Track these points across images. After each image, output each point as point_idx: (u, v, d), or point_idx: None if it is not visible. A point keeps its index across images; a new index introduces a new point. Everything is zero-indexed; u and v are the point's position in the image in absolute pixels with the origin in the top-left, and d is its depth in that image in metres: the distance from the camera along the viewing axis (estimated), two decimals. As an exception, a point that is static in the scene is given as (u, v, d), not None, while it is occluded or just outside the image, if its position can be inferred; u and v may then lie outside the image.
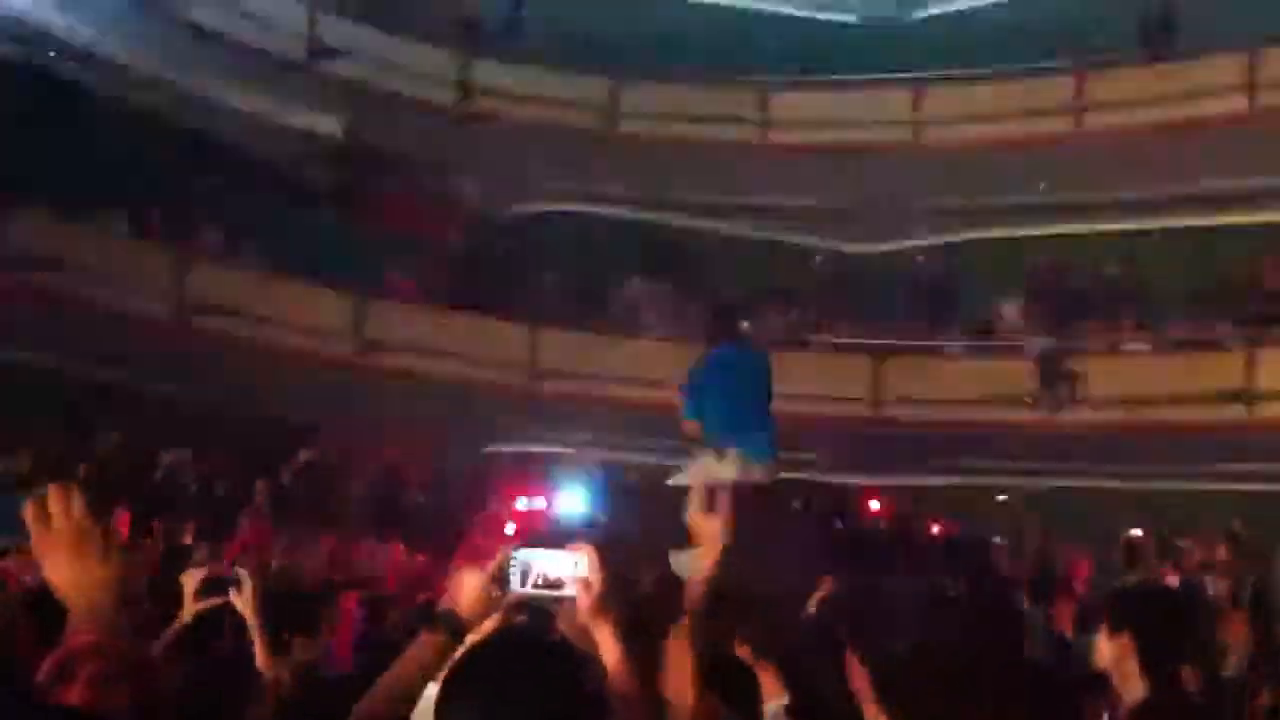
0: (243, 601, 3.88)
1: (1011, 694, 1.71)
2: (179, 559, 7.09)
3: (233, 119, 17.56)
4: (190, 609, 3.92)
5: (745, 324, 7.56)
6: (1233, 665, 6.15)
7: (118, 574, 1.99)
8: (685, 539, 2.73)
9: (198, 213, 16.45)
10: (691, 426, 6.62)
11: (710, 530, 2.63)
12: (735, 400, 6.55)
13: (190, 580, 3.94)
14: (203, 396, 16.44)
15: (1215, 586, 11.85)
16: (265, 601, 4.00)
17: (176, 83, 16.95)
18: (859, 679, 1.71)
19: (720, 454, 6.39)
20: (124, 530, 7.35)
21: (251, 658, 3.88)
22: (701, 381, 6.73)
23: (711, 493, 2.67)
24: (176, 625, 3.91)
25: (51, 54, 15.87)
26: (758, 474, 6.48)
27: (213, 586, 3.95)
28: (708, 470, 6.34)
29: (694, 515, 2.67)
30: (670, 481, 6.71)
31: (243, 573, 3.92)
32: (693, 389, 6.77)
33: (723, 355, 6.86)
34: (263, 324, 15.06)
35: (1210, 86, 15.06)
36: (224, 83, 17.12)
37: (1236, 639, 6.56)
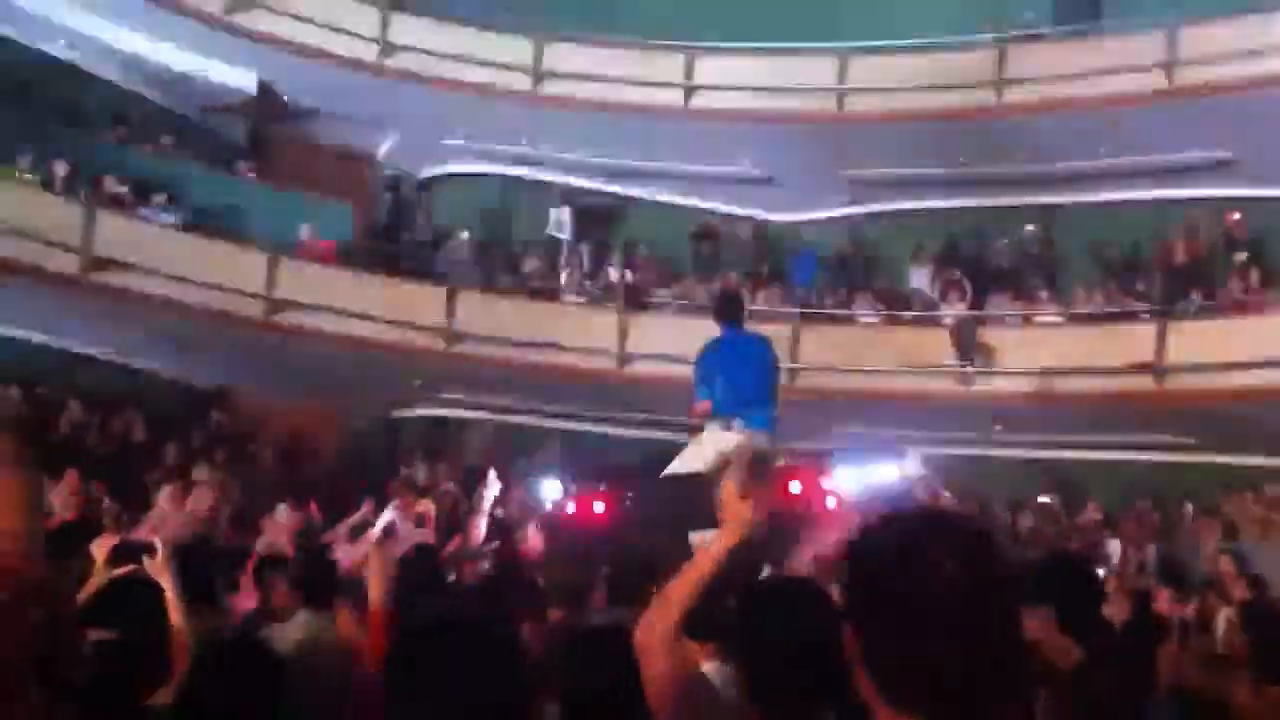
0: (157, 568, 3.77)
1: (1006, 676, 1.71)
2: (91, 521, 6.88)
3: (146, 71, 17.14)
4: (102, 576, 3.80)
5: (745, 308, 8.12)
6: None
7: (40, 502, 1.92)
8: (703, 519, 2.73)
9: (106, 165, 16.04)
10: (703, 406, 7.14)
11: (741, 510, 2.66)
12: (740, 380, 7.08)
13: (101, 547, 3.82)
14: (109, 354, 16.13)
15: (1119, 554, 12.14)
16: (180, 567, 3.90)
17: (87, 33, 16.50)
18: (852, 648, 1.69)
19: (727, 425, 6.91)
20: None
21: (167, 626, 3.76)
22: (710, 364, 7.25)
23: (754, 469, 2.67)
24: (87, 591, 3.79)
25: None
26: (761, 443, 6.97)
27: (124, 553, 3.84)
28: (716, 439, 6.82)
29: (729, 489, 2.68)
30: (674, 468, 7.05)
31: (156, 539, 3.80)
32: (703, 371, 7.28)
33: (728, 339, 7.40)
34: (171, 281, 14.69)
35: (1129, 63, 15.23)
36: (137, 34, 16.68)
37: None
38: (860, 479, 8.60)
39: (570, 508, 9.05)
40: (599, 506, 8.56)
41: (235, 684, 3.16)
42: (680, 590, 2.56)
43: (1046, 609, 3.68)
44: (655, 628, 2.52)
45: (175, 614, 3.67)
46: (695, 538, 6.54)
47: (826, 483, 7.63)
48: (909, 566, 1.69)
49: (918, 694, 1.67)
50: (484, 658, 2.24)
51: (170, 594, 3.69)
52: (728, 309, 7.65)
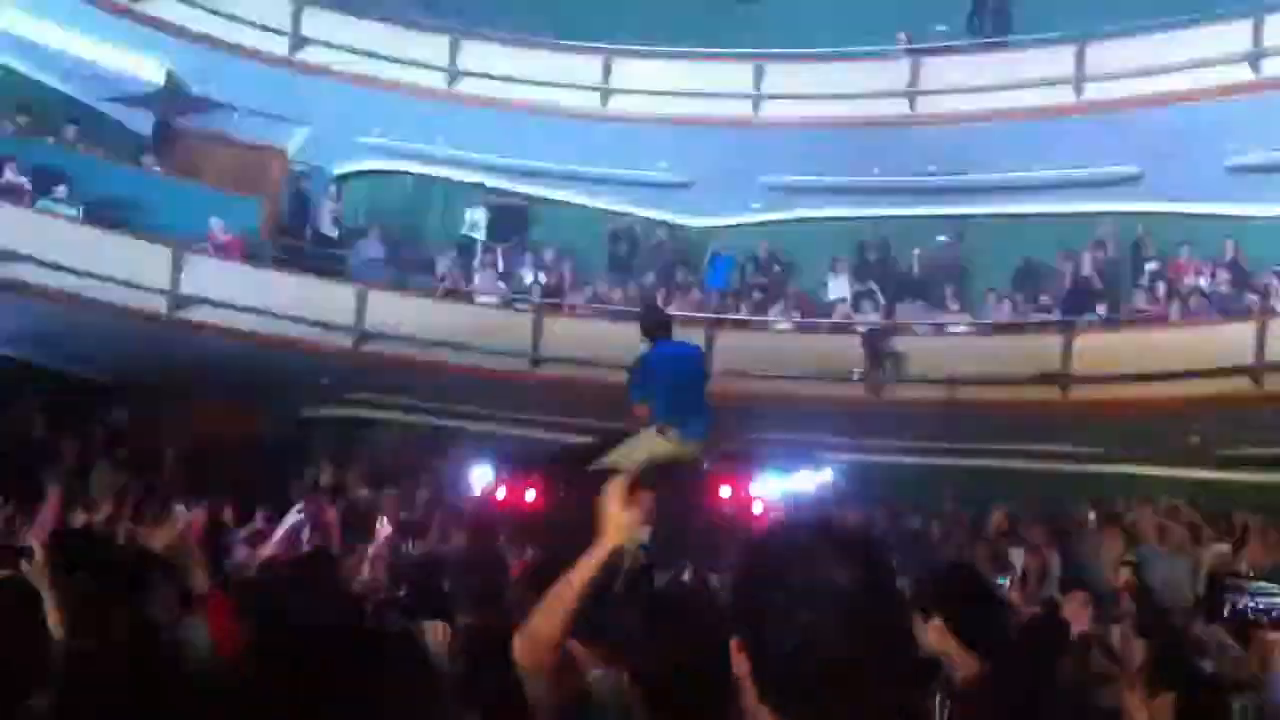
0: (35, 572, 3.62)
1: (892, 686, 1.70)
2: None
3: (49, 59, 16.69)
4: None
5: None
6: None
7: None
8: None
9: (5, 154, 15.57)
10: (641, 409, 7.40)
11: (621, 521, 2.63)
12: (675, 388, 7.40)
13: (-26, 551, 3.67)
14: (5, 349, 15.69)
15: (1024, 562, 12.26)
16: (67, 570, 3.75)
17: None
18: (740, 664, 1.65)
19: (663, 431, 7.18)
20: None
21: (46, 632, 3.62)
22: (647, 373, 7.55)
23: (634, 484, 2.67)
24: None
25: None
26: (691, 452, 7.40)
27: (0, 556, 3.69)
28: (649, 445, 7.07)
29: (610, 496, 2.66)
30: (603, 462, 7.20)
31: (35, 543, 3.65)
32: (641, 376, 7.57)
33: (664, 349, 7.72)
34: (71, 274, 14.31)
35: (1039, 78, 15.46)
36: (41, 20, 16.23)
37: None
38: (775, 485, 8.74)
39: (501, 493, 9.20)
40: (530, 494, 8.70)
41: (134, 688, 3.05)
42: (558, 604, 2.50)
43: (943, 620, 3.66)
44: (535, 645, 2.46)
45: (54, 620, 3.53)
46: None
47: (753, 488, 7.86)
48: (798, 575, 1.67)
49: (805, 705, 1.64)
50: (384, 664, 2.15)
51: (48, 600, 3.54)
52: (655, 327, 7.89)
